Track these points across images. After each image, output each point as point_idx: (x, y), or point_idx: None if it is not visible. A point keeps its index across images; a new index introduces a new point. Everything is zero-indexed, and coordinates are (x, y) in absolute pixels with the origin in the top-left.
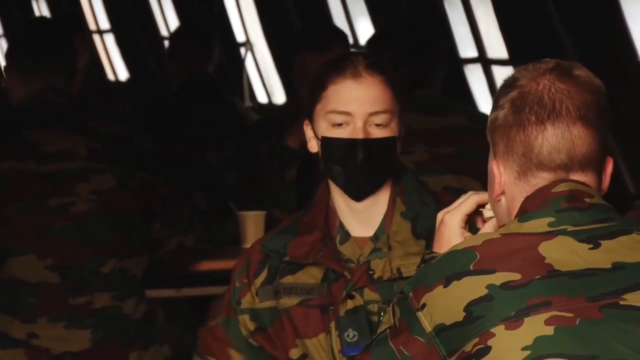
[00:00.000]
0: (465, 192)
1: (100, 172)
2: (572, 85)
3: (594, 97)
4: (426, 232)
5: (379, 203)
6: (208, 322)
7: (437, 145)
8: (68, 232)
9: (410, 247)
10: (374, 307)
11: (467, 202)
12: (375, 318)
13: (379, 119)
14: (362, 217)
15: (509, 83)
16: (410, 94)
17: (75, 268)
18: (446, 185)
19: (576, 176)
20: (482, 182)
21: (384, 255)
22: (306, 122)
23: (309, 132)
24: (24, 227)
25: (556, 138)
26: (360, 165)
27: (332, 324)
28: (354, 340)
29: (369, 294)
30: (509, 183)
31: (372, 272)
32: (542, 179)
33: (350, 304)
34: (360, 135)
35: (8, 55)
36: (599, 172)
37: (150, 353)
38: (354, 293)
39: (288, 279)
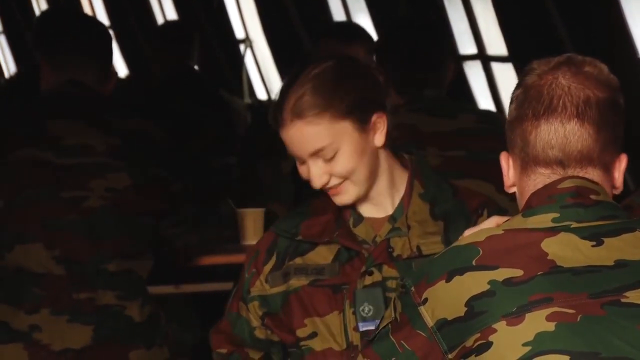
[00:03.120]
0: None
1: (117, 170)
2: (575, 82)
3: (599, 94)
4: (443, 215)
5: (394, 184)
6: (219, 322)
7: (448, 149)
8: (76, 226)
9: (428, 227)
10: (392, 284)
11: (488, 222)
12: (393, 295)
13: (325, 154)
14: (375, 199)
15: (523, 75)
16: (419, 94)
17: (80, 263)
18: None
19: (575, 173)
20: (493, 184)
21: (404, 234)
22: None
23: None
24: (34, 216)
25: (549, 134)
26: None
27: (347, 302)
28: (369, 314)
29: (388, 271)
30: (516, 177)
31: (391, 250)
32: (540, 174)
33: (368, 280)
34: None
35: (39, 44)
36: (603, 169)
37: (152, 353)
38: (372, 269)
39: (297, 261)
